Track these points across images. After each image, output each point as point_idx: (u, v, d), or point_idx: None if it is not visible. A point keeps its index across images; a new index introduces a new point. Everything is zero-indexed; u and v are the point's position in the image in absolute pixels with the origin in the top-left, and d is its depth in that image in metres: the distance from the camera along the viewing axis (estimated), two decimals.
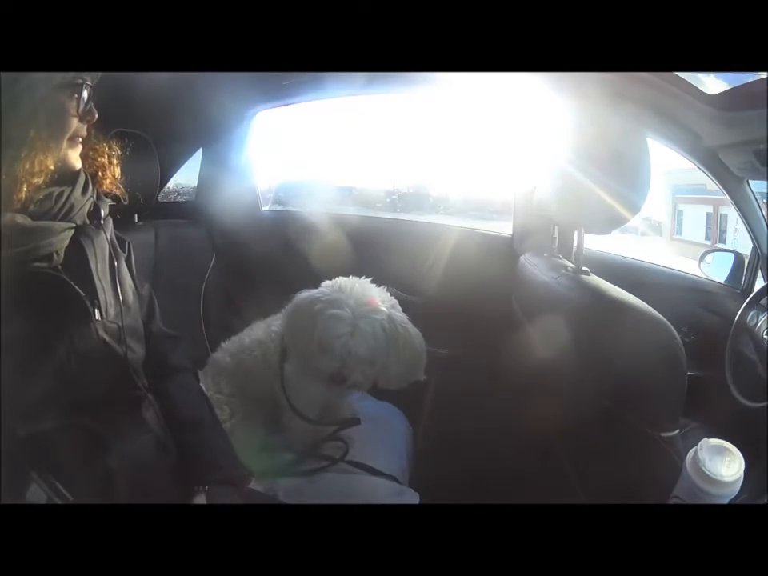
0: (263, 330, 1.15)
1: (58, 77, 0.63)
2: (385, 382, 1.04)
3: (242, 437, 1.02)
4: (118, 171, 0.79)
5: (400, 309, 1.05)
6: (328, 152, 2.28)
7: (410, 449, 1.21)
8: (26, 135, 0.61)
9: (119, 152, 0.79)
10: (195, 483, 0.75)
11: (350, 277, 1.04)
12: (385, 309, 1.01)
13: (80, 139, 0.69)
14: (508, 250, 1.49)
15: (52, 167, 0.65)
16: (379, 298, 1.02)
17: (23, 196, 0.63)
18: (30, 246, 0.65)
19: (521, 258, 1.29)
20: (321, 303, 1.00)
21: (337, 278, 1.05)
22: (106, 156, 0.77)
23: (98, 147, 0.76)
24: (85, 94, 0.66)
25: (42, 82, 0.62)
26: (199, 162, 1.59)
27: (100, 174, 0.76)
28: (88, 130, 0.70)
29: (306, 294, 1.05)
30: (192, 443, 0.79)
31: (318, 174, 2.27)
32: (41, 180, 0.64)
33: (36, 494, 0.59)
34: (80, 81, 0.66)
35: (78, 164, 0.70)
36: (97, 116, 0.69)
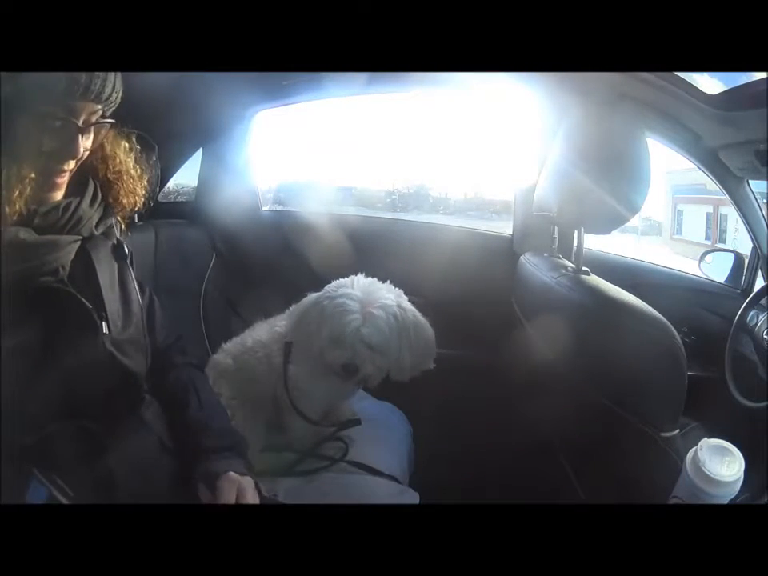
0: (266, 331, 1.14)
1: (29, 110, 0.59)
2: (398, 372, 1.03)
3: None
4: (131, 185, 0.76)
5: (406, 298, 1.05)
6: (328, 152, 2.27)
7: (410, 449, 1.21)
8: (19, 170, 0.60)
9: (141, 168, 0.77)
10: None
11: (351, 276, 1.04)
12: (393, 297, 1.01)
13: (66, 174, 0.66)
14: (508, 250, 1.49)
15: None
16: (386, 289, 1.02)
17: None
18: (35, 263, 0.63)
19: (521, 257, 1.29)
20: (327, 299, 1.00)
21: (338, 280, 1.04)
22: (124, 171, 0.75)
23: (114, 159, 0.74)
24: (65, 132, 0.62)
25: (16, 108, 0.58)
26: (199, 162, 1.59)
27: (115, 188, 0.74)
28: (77, 163, 0.66)
29: (311, 295, 1.05)
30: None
31: (318, 173, 2.27)
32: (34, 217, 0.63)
33: (36, 493, 0.59)
34: (57, 122, 0.61)
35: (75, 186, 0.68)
36: (81, 152, 0.64)
